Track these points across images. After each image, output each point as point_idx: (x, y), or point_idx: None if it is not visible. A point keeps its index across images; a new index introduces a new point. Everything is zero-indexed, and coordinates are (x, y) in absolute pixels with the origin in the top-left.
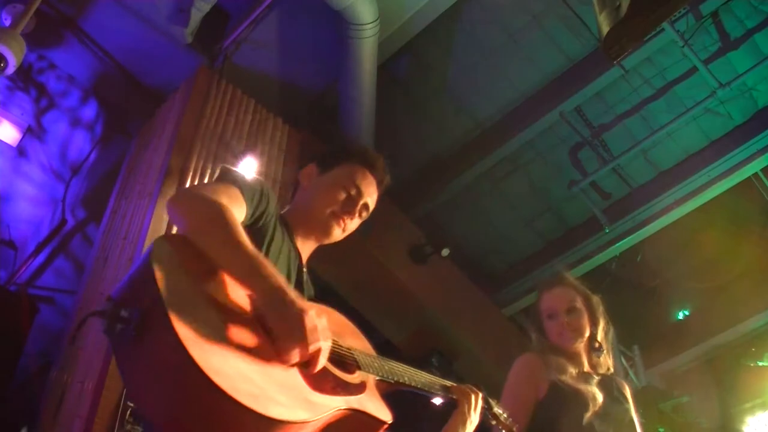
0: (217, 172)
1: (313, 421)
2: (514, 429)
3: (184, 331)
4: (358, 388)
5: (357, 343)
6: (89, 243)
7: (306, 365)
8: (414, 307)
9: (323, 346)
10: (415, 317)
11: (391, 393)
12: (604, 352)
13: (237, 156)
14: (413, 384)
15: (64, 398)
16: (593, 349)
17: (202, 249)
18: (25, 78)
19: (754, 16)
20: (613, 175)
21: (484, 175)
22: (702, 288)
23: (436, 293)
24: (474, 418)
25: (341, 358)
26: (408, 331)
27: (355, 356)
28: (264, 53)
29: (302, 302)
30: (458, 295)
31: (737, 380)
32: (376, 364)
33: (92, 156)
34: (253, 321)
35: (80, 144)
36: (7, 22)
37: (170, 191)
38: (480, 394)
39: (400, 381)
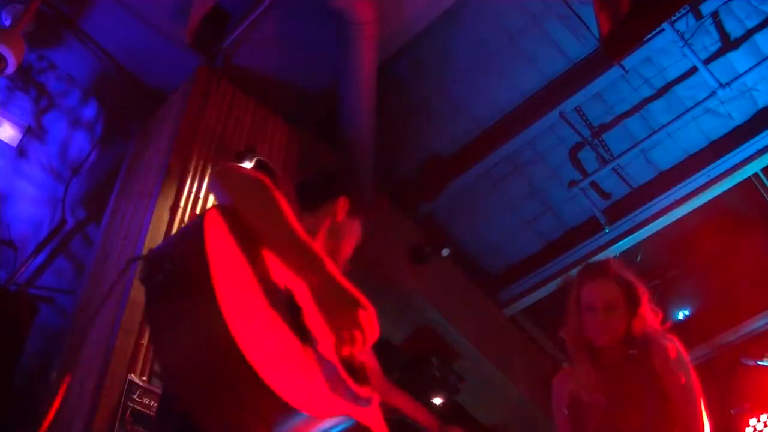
0: (254, 161)
1: (321, 419)
2: None
3: (225, 300)
4: (366, 403)
5: (368, 359)
6: (89, 243)
7: (341, 350)
8: (414, 307)
9: (369, 338)
10: (415, 317)
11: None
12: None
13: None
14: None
15: (64, 398)
16: (629, 345)
17: (253, 226)
18: (25, 78)
19: (754, 16)
20: (613, 175)
21: (484, 175)
22: (702, 288)
23: (436, 293)
24: None
25: (355, 370)
26: (408, 331)
27: (368, 373)
28: (264, 53)
29: (355, 291)
30: (458, 295)
31: (737, 380)
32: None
33: (92, 156)
34: (287, 302)
35: (80, 144)
36: (7, 22)
37: (170, 191)
38: None
39: (396, 409)
